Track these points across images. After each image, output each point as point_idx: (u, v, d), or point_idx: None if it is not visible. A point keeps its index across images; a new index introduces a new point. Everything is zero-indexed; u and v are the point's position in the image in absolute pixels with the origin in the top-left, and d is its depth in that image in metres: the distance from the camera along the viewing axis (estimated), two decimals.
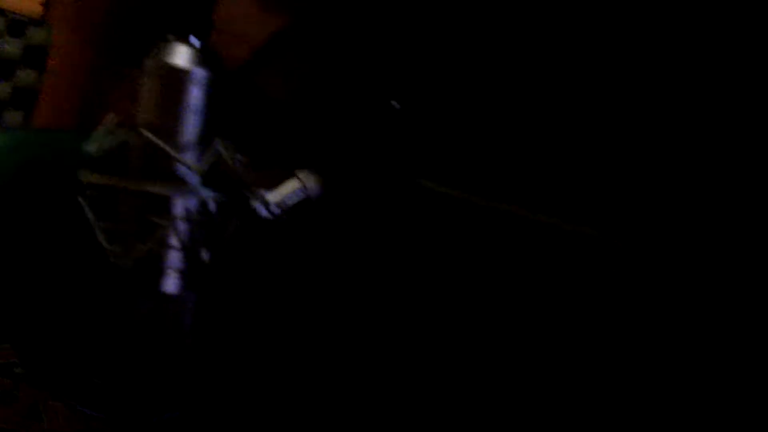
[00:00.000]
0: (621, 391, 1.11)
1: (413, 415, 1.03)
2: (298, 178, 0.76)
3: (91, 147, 0.70)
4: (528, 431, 1.05)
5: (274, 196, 0.76)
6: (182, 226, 0.68)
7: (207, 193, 0.68)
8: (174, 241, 0.69)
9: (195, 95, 0.68)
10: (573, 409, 1.09)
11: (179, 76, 0.69)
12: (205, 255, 0.70)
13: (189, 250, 0.70)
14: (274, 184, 0.78)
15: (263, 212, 0.75)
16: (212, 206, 0.70)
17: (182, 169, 0.67)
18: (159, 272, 0.70)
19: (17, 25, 1.84)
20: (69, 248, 0.87)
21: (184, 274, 0.71)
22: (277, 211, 0.75)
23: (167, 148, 0.66)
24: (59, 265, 0.93)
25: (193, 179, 0.68)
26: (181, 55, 0.70)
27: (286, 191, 0.76)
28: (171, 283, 0.71)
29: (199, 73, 0.69)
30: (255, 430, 0.98)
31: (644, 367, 1.13)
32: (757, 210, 1.12)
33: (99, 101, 1.83)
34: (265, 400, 0.99)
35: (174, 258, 0.70)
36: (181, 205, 0.68)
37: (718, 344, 1.13)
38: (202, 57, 0.70)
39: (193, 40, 0.71)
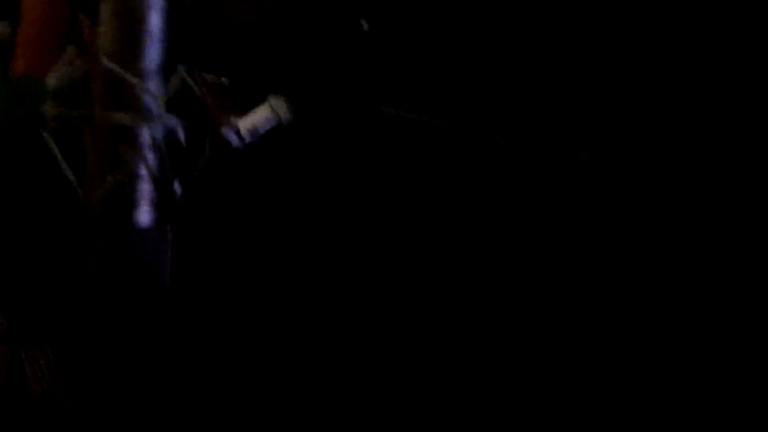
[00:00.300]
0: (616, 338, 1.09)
1: (381, 362, 1.02)
2: (270, 104, 0.74)
3: (52, 80, 0.67)
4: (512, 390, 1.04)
5: (245, 123, 0.73)
6: (150, 155, 0.66)
7: (173, 121, 0.65)
8: (143, 171, 0.66)
9: (155, 21, 0.66)
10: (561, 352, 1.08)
11: (137, 1, 0.66)
12: (177, 185, 0.68)
13: (160, 181, 0.67)
14: (244, 110, 0.75)
15: (235, 140, 0.72)
16: (180, 135, 0.68)
17: (146, 98, 0.65)
18: (130, 205, 0.68)
19: None
20: (37, 188, 0.85)
21: (158, 206, 0.68)
22: (248, 138, 0.73)
23: (128, 76, 0.63)
24: (30, 208, 0.91)
25: (158, 107, 0.66)
26: None
27: (257, 118, 0.74)
28: (144, 216, 0.68)
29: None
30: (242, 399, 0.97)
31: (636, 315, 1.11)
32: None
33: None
34: (243, 350, 0.98)
35: (145, 189, 0.68)
36: (147, 134, 0.66)
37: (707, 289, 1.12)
38: None
39: None
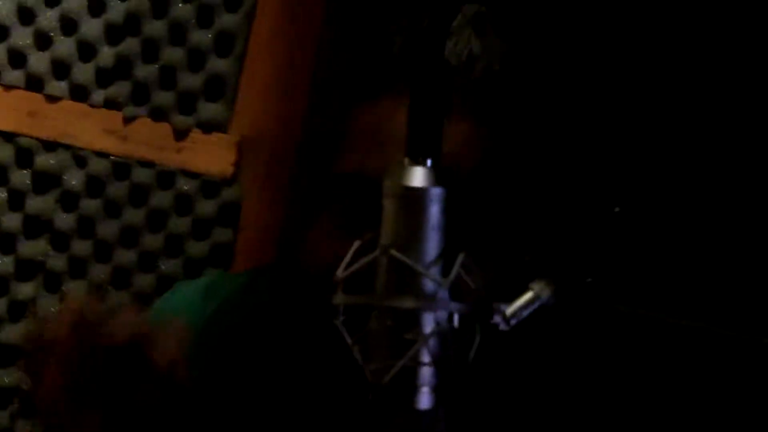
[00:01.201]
0: None
1: None
2: (532, 289, 0.77)
3: (340, 272, 0.72)
4: None
5: (511, 308, 0.76)
6: (433, 341, 0.69)
7: (455, 307, 0.69)
8: (426, 356, 0.70)
9: (434, 213, 0.70)
10: None
11: (417, 195, 0.71)
12: (453, 369, 0.71)
13: (440, 365, 0.71)
14: (508, 295, 0.78)
15: (503, 326, 0.75)
16: (456, 320, 0.71)
17: (429, 285, 0.69)
18: (413, 388, 0.71)
19: (210, 186, 1.93)
20: (330, 368, 0.90)
21: (436, 390, 0.71)
22: (513, 323, 0.76)
23: (414, 265, 0.67)
24: (318, 387, 0.96)
25: (442, 293, 0.69)
26: (416, 176, 0.72)
27: (521, 303, 0.76)
28: (425, 399, 0.71)
29: (436, 192, 0.70)
30: None
31: None
32: None
33: (293, 251, 1.89)
34: None
35: (426, 373, 0.71)
36: (431, 320, 0.69)
37: None
38: (437, 175, 0.72)
39: (427, 160, 0.73)
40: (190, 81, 1.93)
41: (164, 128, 1.94)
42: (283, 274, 1.18)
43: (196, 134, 1.93)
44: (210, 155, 1.93)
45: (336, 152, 1.04)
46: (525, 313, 0.84)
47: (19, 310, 2.00)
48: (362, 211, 0.99)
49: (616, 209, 0.87)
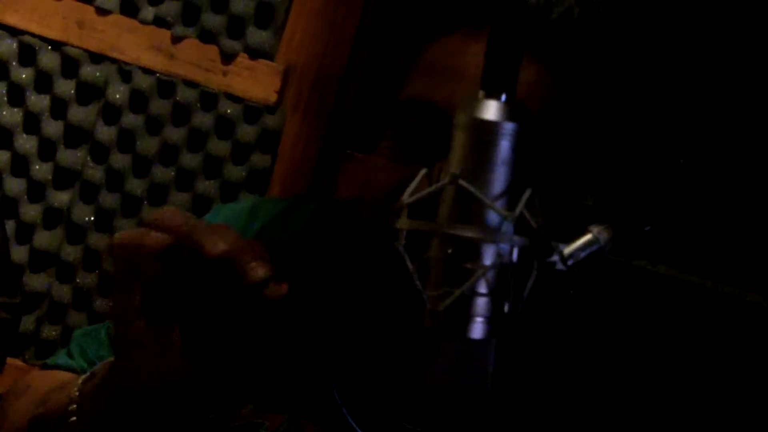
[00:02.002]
0: None
1: None
2: (591, 232, 0.77)
3: (406, 197, 0.72)
4: None
5: (569, 249, 0.76)
6: (492, 272, 0.70)
7: (518, 241, 0.69)
8: (483, 286, 0.70)
9: (504, 147, 0.70)
10: None
11: (490, 129, 0.71)
12: (508, 302, 0.71)
13: (496, 297, 0.71)
14: (567, 235, 0.78)
15: (560, 265, 0.76)
16: (515, 255, 0.72)
17: (493, 217, 0.69)
18: (468, 317, 0.71)
19: (252, 111, 1.93)
20: (388, 291, 0.90)
21: (489, 321, 0.72)
22: (570, 263, 0.76)
23: (481, 196, 0.67)
24: (379, 305, 0.96)
25: (507, 226, 0.69)
26: (490, 109, 0.72)
27: (579, 244, 0.77)
28: (478, 329, 0.72)
29: (509, 126, 0.70)
30: None
31: None
32: None
33: (327, 184, 1.89)
34: None
35: (482, 304, 0.71)
36: (493, 251, 0.70)
37: None
38: (510, 110, 0.72)
39: (502, 94, 0.73)
40: (241, 6, 1.93)
41: (212, 50, 1.93)
42: (326, 201, 1.18)
43: (242, 59, 1.93)
44: (255, 81, 1.93)
45: (401, 81, 1.04)
46: (582, 254, 0.84)
47: (53, 217, 2.01)
48: (423, 139, 0.99)
49: (681, 161, 0.87)
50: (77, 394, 0.95)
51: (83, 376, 0.97)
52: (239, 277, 0.85)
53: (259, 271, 0.86)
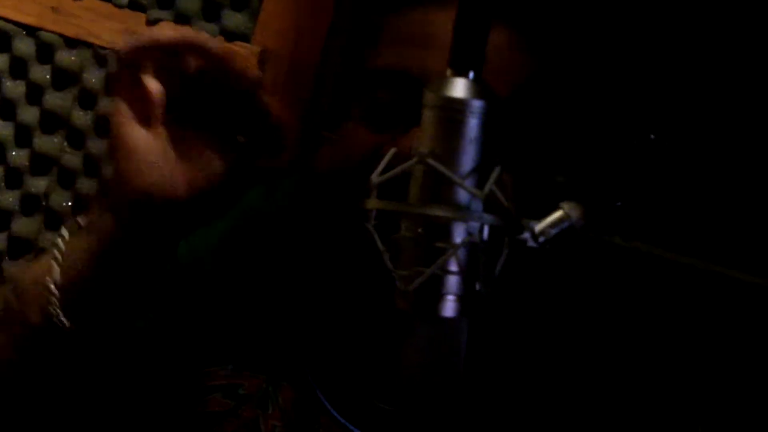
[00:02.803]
0: None
1: None
2: (562, 209, 0.76)
3: (375, 177, 0.72)
4: None
5: (540, 226, 0.76)
6: (463, 251, 0.69)
7: (488, 218, 0.68)
8: (454, 265, 0.70)
9: (473, 125, 0.70)
10: None
11: (458, 107, 0.70)
12: (480, 281, 0.71)
13: (467, 276, 0.70)
14: (538, 213, 0.78)
15: (531, 243, 0.75)
16: (486, 233, 0.71)
17: (463, 195, 0.68)
18: (439, 296, 0.71)
19: None
20: (351, 273, 0.89)
21: (461, 299, 0.71)
22: (541, 241, 0.76)
23: (450, 174, 0.67)
24: (349, 285, 0.96)
25: (477, 205, 0.69)
26: (458, 87, 0.71)
27: (550, 221, 0.76)
28: (449, 307, 0.71)
29: (477, 104, 0.70)
30: None
31: None
32: None
33: (304, 161, 1.88)
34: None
35: (453, 282, 0.71)
36: (463, 230, 0.69)
37: None
38: (479, 88, 0.71)
39: (470, 72, 0.72)
40: None
41: None
42: (306, 176, 1.18)
43: (218, 42, 1.91)
44: None
45: (371, 50, 1.03)
46: (553, 231, 0.83)
47: (31, 203, 1.99)
48: (396, 108, 0.98)
49: (652, 137, 0.86)
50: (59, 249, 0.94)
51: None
52: (239, 76, 0.88)
53: (254, 71, 0.90)
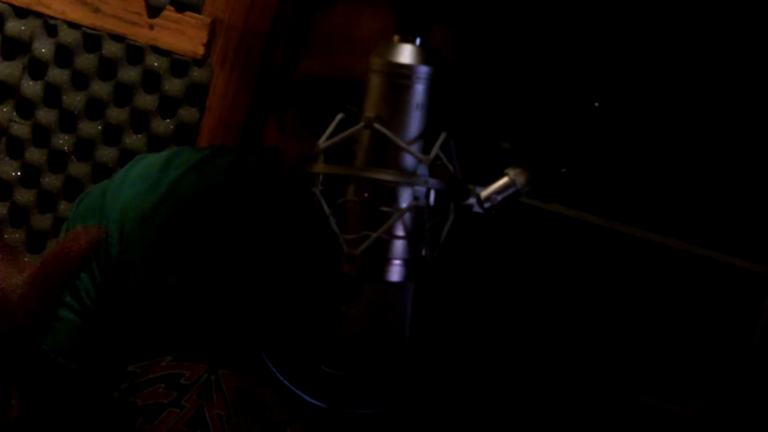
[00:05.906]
0: None
1: None
2: (508, 175, 0.76)
3: (322, 141, 0.70)
4: None
5: (486, 192, 0.75)
6: (409, 215, 0.68)
7: (434, 183, 0.67)
8: (400, 229, 0.69)
9: (419, 91, 0.69)
10: None
11: (405, 72, 0.69)
12: (425, 245, 0.70)
13: (413, 240, 0.70)
14: (483, 178, 0.77)
15: (477, 208, 0.74)
16: (432, 198, 0.70)
17: (409, 160, 0.67)
18: (385, 260, 0.70)
19: (180, 65, 1.89)
20: (295, 239, 0.88)
21: (407, 264, 0.71)
22: (487, 206, 0.75)
23: (396, 139, 0.66)
24: (295, 248, 0.94)
25: (422, 169, 0.68)
26: (405, 53, 0.70)
27: (496, 187, 0.75)
28: (395, 271, 0.70)
29: (423, 70, 0.69)
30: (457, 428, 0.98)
31: None
32: None
33: (252, 139, 1.86)
34: (470, 399, 0.99)
35: (399, 246, 0.70)
36: (409, 194, 0.68)
37: None
38: (425, 54, 0.70)
39: (417, 38, 0.71)
40: None
41: (138, 3, 1.88)
42: (246, 151, 1.16)
43: (169, 12, 1.88)
44: (182, 34, 1.89)
45: (297, 56, 1.01)
46: (499, 198, 0.83)
47: None
48: (323, 114, 0.95)
49: (596, 104, 0.86)
50: None
51: None
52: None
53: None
